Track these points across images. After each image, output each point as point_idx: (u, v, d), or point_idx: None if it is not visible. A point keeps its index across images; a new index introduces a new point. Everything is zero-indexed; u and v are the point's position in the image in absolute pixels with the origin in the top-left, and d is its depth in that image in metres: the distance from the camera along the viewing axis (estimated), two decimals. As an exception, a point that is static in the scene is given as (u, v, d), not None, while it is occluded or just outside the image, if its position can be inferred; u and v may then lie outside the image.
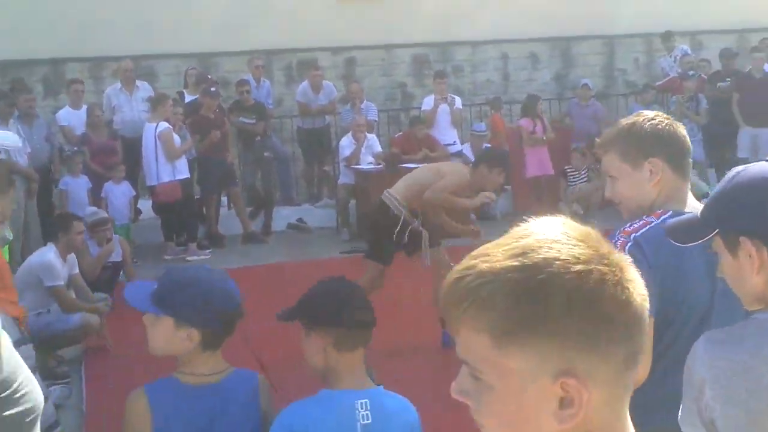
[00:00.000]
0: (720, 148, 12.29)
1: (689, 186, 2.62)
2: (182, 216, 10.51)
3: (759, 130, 11.78)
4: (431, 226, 6.70)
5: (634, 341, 1.09)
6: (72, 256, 7.19)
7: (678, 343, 2.34)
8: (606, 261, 1.08)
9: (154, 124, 10.15)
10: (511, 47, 14.49)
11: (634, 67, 15.16)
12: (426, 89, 13.61)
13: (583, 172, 11.86)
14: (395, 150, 11.30)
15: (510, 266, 1.06)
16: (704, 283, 2.40)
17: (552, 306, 1.04)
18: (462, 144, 12.10)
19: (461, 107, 12.42)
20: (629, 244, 2.37)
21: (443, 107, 11.94)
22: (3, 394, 1.46)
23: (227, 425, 2.46)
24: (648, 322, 1.12)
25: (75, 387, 6.40)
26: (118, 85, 11.60)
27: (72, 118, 10.99)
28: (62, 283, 6.89)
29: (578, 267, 1.05)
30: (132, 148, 10.85)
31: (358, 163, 11.19)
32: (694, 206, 2.51)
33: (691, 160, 2.61)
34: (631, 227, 2.43)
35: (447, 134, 11.90)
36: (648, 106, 12.86)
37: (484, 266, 1.08)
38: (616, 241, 2.37)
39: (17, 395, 1.51)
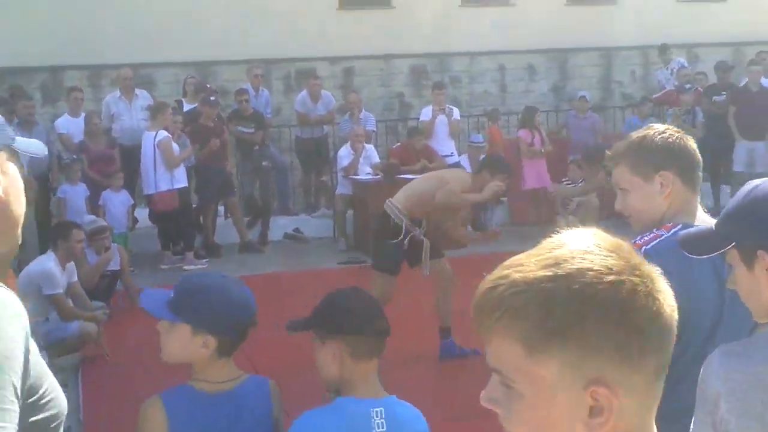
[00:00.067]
0: (716, 161, 12.33)
1: (699, 199, 2.64)
2: (179, 225, 10.51)
3: (755, 143, 11.84)
4: (434, 236, 6.72)
5: (664, 351, 1.11)
6: (71, 265, 7.20)
7: (686, 356, 2.36)
8: (638, 272, 1.09)
9: (153, 133, 10.15)
10: (508, 59, 14.56)
11: (630, 80, 15.25)
12: (423, 100, 13.66)
13: (579, 184, 11.87)
14: (393, 160, 11.32)
15: (543, 276, 1.08)
16: (713, 296, 2.42)
17: (585, 316, 1.06)
18: (459, 155, 12.12)
19: (459, 118, 12.47)
20: None
21: (441, 118, 11.98)
22: (29, 400, 1.47)
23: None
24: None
25: (72, 395, 6.40)
26: (117, 93, 11.61)
27: (70, 125, 10.99)
28: (61, 291, 6.90)
29: (611, 277, 1.07)
30: (130, 157, 10.86)
31: (356, 174, 11.21)
32: (703, 219, 2.53)
33: (701, 174, 2.63)
34: (642, 240, 2.44)
35: (445, 145, 11.93)
36: (645, 119, 12.93)
37: (517, 276, 1.09)
38: None
39: (43, 401, 1.52)
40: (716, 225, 1.93)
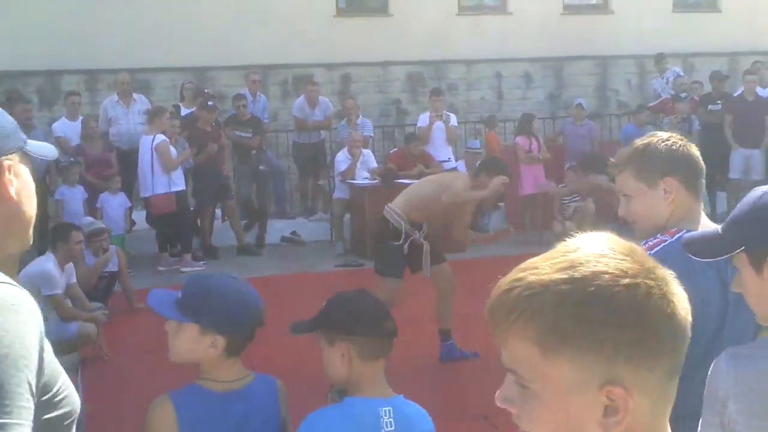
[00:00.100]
0: (712, 168, 12.41)
1: (702, 206, 2.67)
2: (177, 227, 10.54)
3: (751, 151, 11.94)
4: (434, 239, 6.75)
5: (678, 353, 1.13)
6: (70, 266, 7.21)
7: (691, 359, 2.38)
8: (652, 275, 1.12)
9: (151, 137, 10.19)
10: (505, 66, 14.61)
11: (626, 88, 15.31)
12: (420, 106, 13.71)
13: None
14: (391, 166, 11.37)
15: (559, 279, 1.09)
16: (718, 300, 2.44)
17: (600, 318, 1.07)
18: (456, 161, 12.17)
19: (456, 124, 12.52)
20: None
21: (438, 124, 12.04)
22: (43, 398, 1.48)
23: (252, 431, 2.47)
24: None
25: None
26: (115, 97, 11.63)
27: (68, 129, 11.01)
28: (60, 292, 6.91)
29: (626, 280, 1.09)
30: (128, 160, 10.89)
31: (353, 178, 11.26)
32: (706, 225, 2.55)
33: (704, 181, 2.67)
34: (646, 245, 2.45)
35: (442, 151, 11.99)
36: (642, 127, 12.99)
37: (533, 278, 1.11)
38: None
39: (56, 399, 1.54)
40: (724, 229, 1.95)
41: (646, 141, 2.66)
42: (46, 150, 1.80)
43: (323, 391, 3.08)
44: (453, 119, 12.37)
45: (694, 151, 2.65)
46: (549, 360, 1.09)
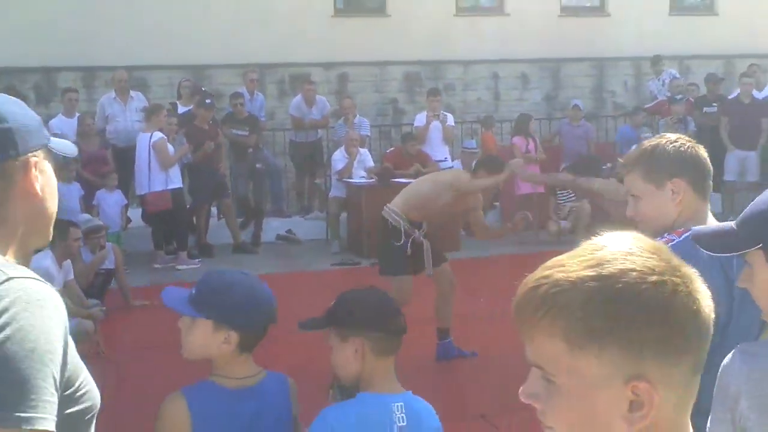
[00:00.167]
0: (707, 170, 12.46)
1: (709, 206, 2.70)
2: (173, 225, 10.55)
3: (747, 152, 12.00)
4: (433, 238, 6.76)
5: (701, 349, 1.15)
6: (67, 263, 7.22)
7: None
8: (678, 273, 1.13)
9: (149, 134, 10.20)
10: (502, 67, 14.64)
11: (622, 90, 15.35)
12: (417, 106, 13.74)
13: (572, 195, 11.96)
14: (387, 165, 11.40)
15: (587, 276, 1.11)
16: (724, 297, 2.45)
17: (628, 314, 1.09)
18: (453, 160, 12.20)
19: (453, 124, 12.55)
20: None
21: (435, 124, 12.07)
22: (66, 393, 1.49)
23: (265, 428, 2.47)
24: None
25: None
26: (113, 94, 11.64)
27: (64, 126, 11.00)
28: (58, 288, 6.90)
29: (653, 278, 1.11)
30: (124, 158, 10.89)
31: (350, 177, 11.28)
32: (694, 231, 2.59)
33: (711, 182, 2.69)
34: None
35: (438, 150, 12.02)
36: (638, 128, 13.05)
37: (560, 275, 1.12)
38: None
39: (78, 394, 1.55)
40: (738, 225, 1.96)
41: (654, 142, 2.69)
42: (67, 147, 1.82)
43: (325, 387, 3.10)
44: (450, 119, 12.41)
45: (702, 152, 2.68)
46: (576, 355, 1.11)
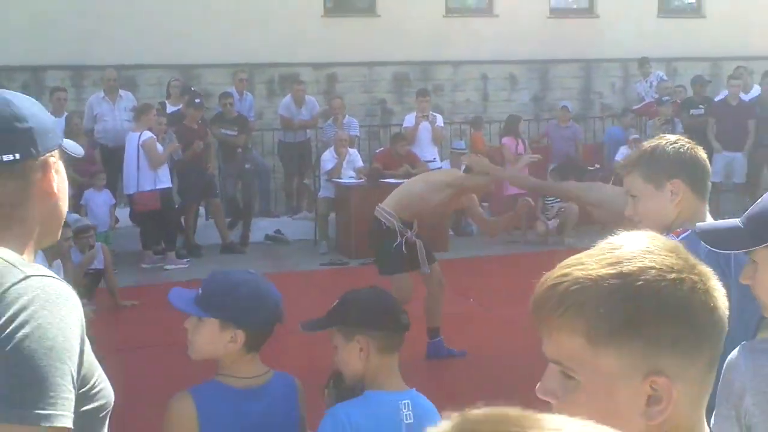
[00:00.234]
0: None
1: (707, 207, 2.73)
2: (161, 225, 10.53)
3: (734, 154, 12.09)
4: (424, 238, 6.80)
5: (717, 346, 1.17)
6: (57, 262, 7.20)
7: None
8: (696, 271, 1.16)
9: (138, 134, 10.19)
10: (490, 68, 14.68)
11: (610, 91, 15.41)
12: (406, 106, 13.76)
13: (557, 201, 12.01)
14: (377, 165, 11.42)
15: (607, 274, 1.13)
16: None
17: (648, 311, 1.12)
18: (442, 161, 12.24)
19: (442, 125, 12.59)
20: None
21: (424, 124, 12.11)
22: (81, 390, 1.51)
23: (272, 429, 2.48)
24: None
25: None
26: (101, 93, 11.62)
27: (53, 125, 10.96)
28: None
29: (672, 275, 1.13)
30: (113, 157, 10.87)
31: (339, 177, 11.29)
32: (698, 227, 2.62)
33: (710, 183, 2.72)
34: None
35: (427, 151, 12.05)
36: (627, 129, 13.11)
37: (580, 273, 1.14)
38: None
39: (93, 391, 1.56)
40: (745, 223, 1.98)
41: (654, 144, 2.73)
42: (76, 148, 1.84)
43: (321, 387, 3.11)
44: (439, 120, 12.44)
45: (701, 153, 2.71)
46: (596, 351, 1.13)
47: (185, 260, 10.54)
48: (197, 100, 11.07)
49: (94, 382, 1.56)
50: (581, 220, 10.89)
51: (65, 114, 11.08)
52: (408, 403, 2.54)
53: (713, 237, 2.04)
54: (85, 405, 1.53)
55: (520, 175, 7.62)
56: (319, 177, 11.85)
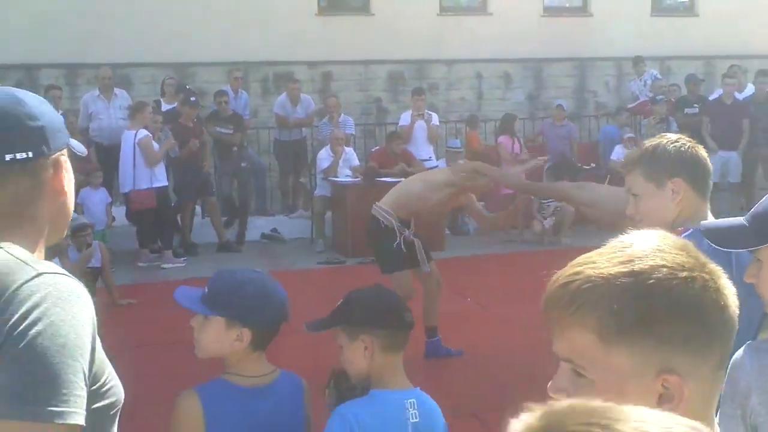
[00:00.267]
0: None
1: (708, 206, 2.74)
2: (158, 223, 10.53)
3: (729, 153, 12.14)
4: (421, 237, 6.82)
5: (727, 344, 1.18)
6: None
7: None
8: (707, 269, 1.17)
9: (134, 132, 10.18)
10: (485, 67, 14.70)
11: (604, 90, 15.45)
12: (401, 105, 13.77)
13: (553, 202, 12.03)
14: (372, 164, 11.43)
15: (619, 272, 1.14)
16: None
17: (660, 309, 1.12)
18: (437, 160, 12.26)
19: (438, 124, 12.60)
20: None
21: (420, 123, 12.12)
22: (92, 387, 1.51)
23: (278, 427, 2.48)
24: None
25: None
26: (96, 92, 11.60)
27: (48, 123, 10.94)
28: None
29: (684, 274, 1.14)
30: (108, 156, 10.85)
31: (335, 176, 11.30)
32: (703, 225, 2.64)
33: (711, 182, 2.74)
34: None
35: (423, 150, 12.07)
36: (621, 128, 13.14)
37: (591, 272, 1.15)
38: None
39: (104, 389, 1.56)
40: (750, 221, 2.00)
41: (655, 142, 2.73)
42: (80, 147, 1.86)
43: (321, 387, 3.12)
44: (435, 118, 12.46)
45: (702, 152, 2.72)
46: (608, 349, 1.14)
47: (182, 259, 10.54)
48: (192, 99, 11.07)
49: (105, 380, 1.57)
50: (577, 220, 10.92)
51: (60, 112, 11.01)
52: (414, 402, 2.55)
53: (718, 235, 2.06)
54: (96, 402, 1.53)
55: (513, 176, 7.60)
56: (315, 175, 11.85)
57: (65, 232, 1.77)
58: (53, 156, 1.66)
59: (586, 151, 13.42)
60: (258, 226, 11.85)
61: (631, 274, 1.13)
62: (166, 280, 9.34)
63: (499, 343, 7.06)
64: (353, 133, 12.52)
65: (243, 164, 11.78)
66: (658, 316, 1.12)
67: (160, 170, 10.38)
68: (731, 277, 2.13)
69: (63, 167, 1.68)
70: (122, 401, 1.63)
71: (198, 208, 11.57)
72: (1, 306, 1.45)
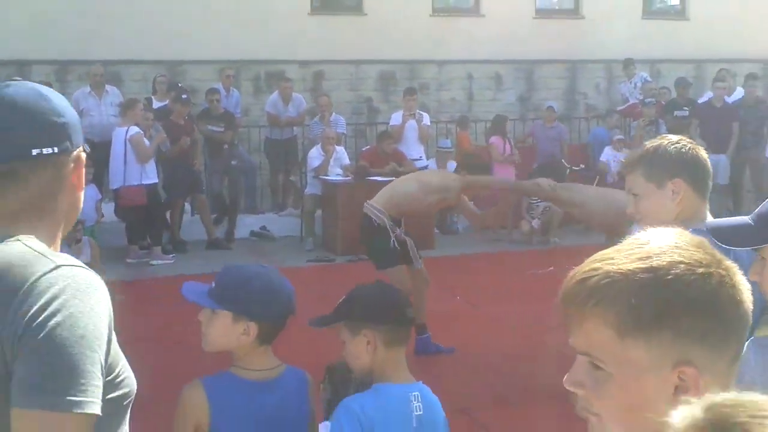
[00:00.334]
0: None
1: (708, 206, 2.78)
2: (148, 220, 10.52)
3: (719, 156, 12.18)
4: (412, 235, 6.86)
5: (742, 339, 1.21)
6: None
7: None
8: (723, 265, 1.19)
9: (125, 128, 10.18)
10: (476, 68, 14.74)
11: (595, 92, 15.52)
12: (391, 105, 13.80)
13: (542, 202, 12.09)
14: (363, 163, 11.45)
15: (637, 268, 1.17)
16: None
17: (678, 304, 1.15)
18: (428, 159, 12.29)
19: (429, 124, 12.63)
20: None
21: (411, 123, 12.14)
22: (107, 378, 1.53)
23: (283, 421, 2.51)
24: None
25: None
26: (87, 88, 11.58)
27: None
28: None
29: (701, 270, 1.16)
30: (99, 152, 10.82)
31: (326, 174, 11.32)
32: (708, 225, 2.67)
33: (711, 183, 2.77)
34: None
35: (414, 149, 12.09)
36: (611, 130, 13.19)
37: (610, 267, 1.18)
38: None
39: (118, 380, 1.58)
40: (755, 220, 2.04)
41: (656, 143, 2.77)
42: (85, 145, 1.88)
43: (316, 383, 3.15)
44: (426, 118, 12.48)
45: (702, 153, 2.76)
46: (626, 343, 1.16)
47: (171, 256, 10.54)
48: (184, 96, 11.08)
49: (119, 371, 1.59)
50: (565, 221, 10.98)
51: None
52: (417, 395, 2.59)
53: (724, 234, 2.08)
54: (110, 393, 1.55)
55: (503, 180, 7.61)
56: (306, 174, 11.86)
57: (70, 228, 1.80)
58: (75, 152, 1.69)
59: (576, 152, 13.47)
60: (247, 223, 11.86)
61: (650, 269, 1.16)
62: (155, 277, 9.36)
63: (489, 341, 7.10)
64: (344, 132, 12.54)
65: (233, 162, 11.78)
66: (677, 311, 1.15)
67: (151, 167, 10.38)
68: None
69: (82, 163, 1.72)
70: (135, 392, 1.65)
71: (187, 206, 11.57)
72: (20, 298, 1.47)
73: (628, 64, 14.26)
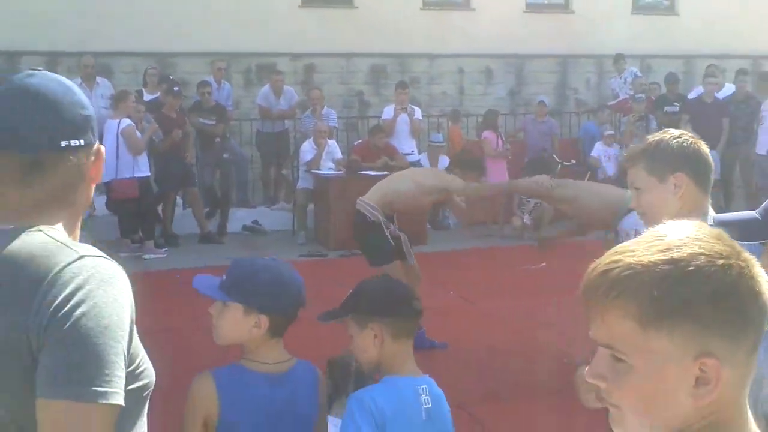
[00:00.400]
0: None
1: (709, 200, 2.79)
2: (140, 214, 10.49)
3: (710, 152, 12.24)
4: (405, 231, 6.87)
5: (760, 330, 1.22)
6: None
7: None
8: (742, 257, 1.21)
9: (117, 121, 10.13)
10: (467, 62, 14.75)
11: (585, 87, 15.56)
12: (382, 98, 13.80)
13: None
14: (355, 157, 11.44)
15: (659, 260, 1.18)
16: None
17: (699, 295, 1.17)
18: (420, 153, 12.30)
19: (420, 117, 12.64)
20: None
21: (403, 117, 12.14)
22: (128, 369, 1.53)
23: (293, 415, 2.52)
24: None
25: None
26: (78, 80, 11.50)
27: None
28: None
29: (721, 261, 1.18)
30: (90, 145, 10.78)
31: (318, 168, 11.31)
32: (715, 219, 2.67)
33: (712, 177, 2.78)
34: None
35: (406, 143, 12.09)
36: (602, 125, 13.23)
37: (631, 260, 1.20)
38: None
39: (138, 371, 1.59)
40: (762, 214, 2.07)
41: (658, 137, 2.78)
42: None
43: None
44: (417, 112, 12.48)
45: (704, 148, 2.77)
46: (648, 334, 1.18)
47: (163, 250, 10.52)
48: (176, 89, 11.03)
49: (139, 362, 1.60)
50: (556, 217, 11.01)
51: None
52: (426, 387, 2.62)
53: (731, 228, 2.10)
54: (131, 384, 1.55)
55: (499, 185, 7.60)
56: (298, 167, 11.85)
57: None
58: (95, 145, 1.70)
59: (567, 147, 13.51)
60: (239, 217, 11.84)
61: (671, 261, 1.18)
62: (147, 271, 9.33)
63: (482, 336, 7.13)
64: (336, 125, 12.53)
65: (225, 155, 11.76)
66: (698, 302, 1.17)
67: (143, 160, 10.35)
68: None
69: (102, 156, 1.73)
70: (153, 383, 1.66)
71: (179, 199, 11.53)
72: (45, 288, 1.47)
73: (618, 59, 14.30)
